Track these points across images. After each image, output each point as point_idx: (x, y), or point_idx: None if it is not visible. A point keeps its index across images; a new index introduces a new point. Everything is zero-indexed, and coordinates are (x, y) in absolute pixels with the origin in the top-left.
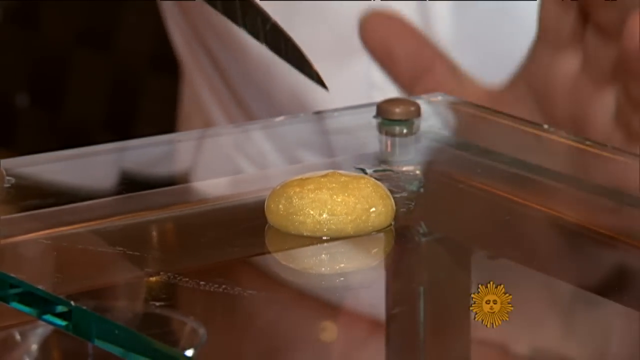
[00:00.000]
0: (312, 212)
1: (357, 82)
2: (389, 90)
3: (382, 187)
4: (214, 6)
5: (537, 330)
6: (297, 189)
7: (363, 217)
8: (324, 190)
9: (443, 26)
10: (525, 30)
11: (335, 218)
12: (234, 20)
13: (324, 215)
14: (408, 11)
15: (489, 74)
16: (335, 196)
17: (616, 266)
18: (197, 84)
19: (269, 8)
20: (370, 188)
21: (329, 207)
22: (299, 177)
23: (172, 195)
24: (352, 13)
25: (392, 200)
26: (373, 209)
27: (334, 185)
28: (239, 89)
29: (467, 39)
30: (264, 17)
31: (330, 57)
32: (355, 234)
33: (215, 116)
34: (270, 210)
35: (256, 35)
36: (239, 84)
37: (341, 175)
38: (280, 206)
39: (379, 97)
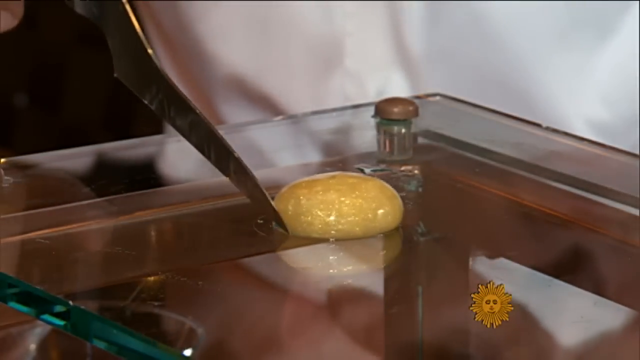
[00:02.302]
0: (320, 214)
1: (332, 96)
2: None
3: (390, 189)
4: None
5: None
6: (305, 191)
7: (371, 218)
8: (331, 191)
9: (415, 39)
10: (496, 44)
11: (343, 219)
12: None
13: (332, 217)
14: (380, 25)
15: (459, 87)
16: (343, 198)
17: (616, 266)
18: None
19: (244, 25)
20: (378, 189)
21: (336, 208)
22: (307, 179)
23: (175, 195)
24: (326, 30)
25: (400, 201)
26: (381, 211)
27: (341, 187)
28: (211, 99)
29: (438, 52)
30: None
31: (306, 73)
32: (363, 235)
33: None
34: (278, 211)
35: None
36: (212, 94)
37: (349, 177)
38: (290, 207)
39: None
